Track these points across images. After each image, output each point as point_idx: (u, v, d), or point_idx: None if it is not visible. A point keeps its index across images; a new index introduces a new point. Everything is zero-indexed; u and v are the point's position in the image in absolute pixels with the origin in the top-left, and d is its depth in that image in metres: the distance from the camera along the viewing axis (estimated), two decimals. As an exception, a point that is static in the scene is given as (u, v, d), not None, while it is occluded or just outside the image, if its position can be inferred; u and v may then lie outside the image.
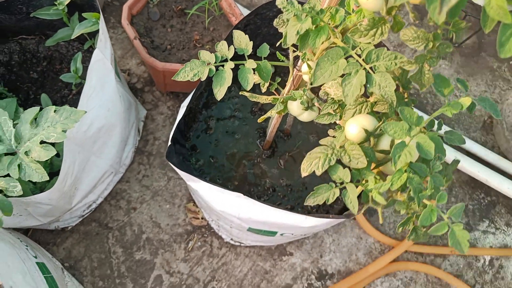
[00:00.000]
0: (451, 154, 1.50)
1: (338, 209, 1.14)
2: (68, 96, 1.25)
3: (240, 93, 0.90)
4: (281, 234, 1.13)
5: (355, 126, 0.61)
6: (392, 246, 1.43)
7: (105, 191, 1.32)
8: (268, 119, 1.18)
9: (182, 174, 0.97)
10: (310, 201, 0.67)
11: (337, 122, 0.74)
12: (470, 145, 1.56)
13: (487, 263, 1.47)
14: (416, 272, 1.42)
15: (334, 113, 0.70)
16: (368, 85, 0.56)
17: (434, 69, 1.73)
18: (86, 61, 1.25)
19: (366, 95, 0.67)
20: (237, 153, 1.18)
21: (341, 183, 0.66)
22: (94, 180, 1.18)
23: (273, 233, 1.13)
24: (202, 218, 1.36)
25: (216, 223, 1.32)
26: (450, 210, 0.61)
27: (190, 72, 0.80)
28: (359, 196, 0.71)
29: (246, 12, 1.58)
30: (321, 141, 0.66)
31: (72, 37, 1.06)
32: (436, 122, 0.63)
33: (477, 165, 1.50)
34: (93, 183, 1.19)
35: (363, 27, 0.56)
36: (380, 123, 0.61)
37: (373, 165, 0.65)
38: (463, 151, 1.57)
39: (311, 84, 0.65)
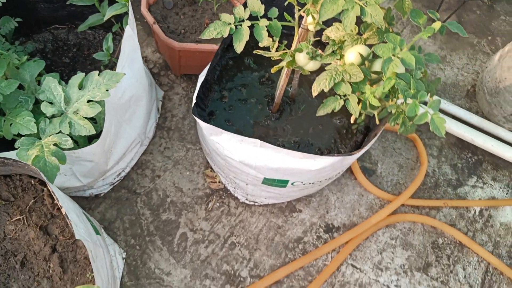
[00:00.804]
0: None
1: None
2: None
3: (254, 52, 1.07)
4: (292, 183, 1.29)
5: (353, 53, 0.78)
6: (390, 201, 1.59)
7: (132, 161, 1.48)
8: (276, 84, 1.35)
9: (206, 126, 1.13)
10: (321, 112, 0.83)
11: (338, 62, 0.91)
12: (455, 110, 1.73)
13: (477, 213, 1.63)
14: (413, 223, 1.57)
15: (335, 54, 0.87)
16: (362, 16, 0.73)
17: (419, 40, 1.91)
18: (114, 43, 1.42)
19: (360, 33, 0.84)
20: (250, 117, 1.34)
21: (344, 96, 0.82)
22: (125, 147, 1.34)
23: (285, 183, 1.29)
24: (219, 182, 1.52)
25: (233, 185, 1.48)
26: (429, 103, 0.78)
27: (214, 31, 0.97)
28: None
29: None
30: (327, 68, 0.82)
31: (105, 19, 1.23)
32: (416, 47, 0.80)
33: (463, 126, 1.67)
34: (124, 149, 1.34)
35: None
36: (372, 48, 0.77)
37: (368, 85, 0.82)
38: (450, 115, 1.74)
39: (317, 24, 0.82)
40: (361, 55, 0.77)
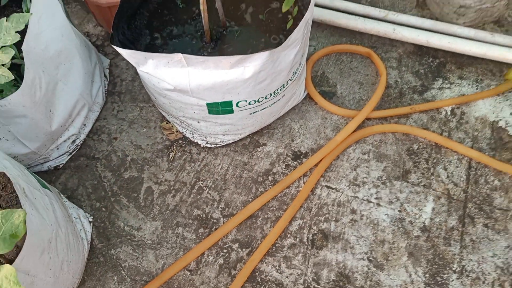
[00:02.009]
0: (389, 27, 1.62)
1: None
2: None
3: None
4: (237, 104, 1.26)
5: None
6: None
7: (86, 128, 1.46)
8: (200, 13, 1.33)
9: (128, 54, 1.11)
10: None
11: None
12: (406, 18, 1.68)
13: (449, 113, 1.56)
14: (384, 134, 1.52)
15: None
16: None
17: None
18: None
19: None
20: (185, 50, 1.32)
21: None
22: (67, 107, 1.33)
23: (229, 105, 1.26)
24: (176, 132, 1.49)
25: (189, 130, 1.45)
26: None
27: None
28: None
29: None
30: None
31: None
32: None
33: (415, 30, 1.62)
34: (67, 110, 1.33)
35: None
36: None
37: None
38: (403, 24, 1.69)
39: None
40: None
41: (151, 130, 1.51)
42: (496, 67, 1.64)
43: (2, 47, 1.05)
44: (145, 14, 1.38)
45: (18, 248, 0.88)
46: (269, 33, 1.35)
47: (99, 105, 1.51)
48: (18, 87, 1.10)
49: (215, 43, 1.34)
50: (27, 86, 1.11)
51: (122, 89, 1.58)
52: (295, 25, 1.19)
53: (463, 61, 1.66)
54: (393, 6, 1.78)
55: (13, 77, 1.04)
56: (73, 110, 1.37)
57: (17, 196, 0.95)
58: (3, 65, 1.05)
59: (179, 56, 1.08)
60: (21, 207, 0.92)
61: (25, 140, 1.23)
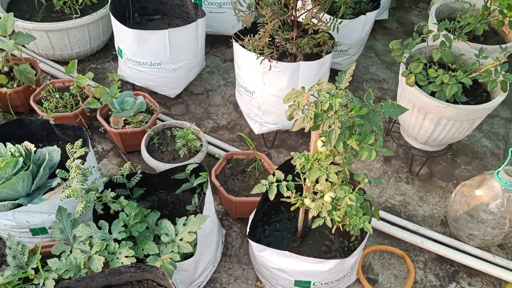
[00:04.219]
0: (419, 239, 2.34)
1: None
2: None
3: (281, 199, 1.88)
4: (314, 283, 1.96)
5: (328, 196, 1.57)
6: (390, 302, 2.18)
7: (207, 277, 2.20)
8: (297, 218, 2.11)
9: (256, 245, 1.89)
10: (314, 225, 1.60)
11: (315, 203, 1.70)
12: (431, 233, 2.40)
13: (458, 310, 2.18)
14: (409, 318, 2.14)
15: (322, 198, 1.67)
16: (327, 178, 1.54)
17: (402, 185, 2.67)
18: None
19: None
20: (283, 241, 2.09)
21: (324, 217, 1.58)
22: (205, 264, 2.08)
23: (308, 283, 1.97)
24: (265, 290, 2.19)
25: (275, 291, 2.15)
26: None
27: (257, 189, 1.80)
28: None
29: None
30: (315, 203, 1.61)
31: (194, 185, 2.10)
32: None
33: (437, 245, 2.33)
34: (204, 265, 2.09)
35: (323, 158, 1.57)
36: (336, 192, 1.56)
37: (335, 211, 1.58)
38: (429, 238, 2.40)
39: (311, 182, 1.64)
40: (331, 197, 1.56)
41: (248, 286, 2.22)
42: (496, 280, 2.28)
43: (189, 232, 1.86)
44: (260, 212, 2.20)
45: None
46: (338, 237, 2.11)
47: (217, 262, 2.27)
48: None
49: (302, 238, 2.11)
50: (196, 254, 1.89)
51: (232, 253, 2.35)
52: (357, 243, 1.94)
53: (472, 271, 2.32)
54: (424, 221, 2.53)
55: (192, 250, 1.83)
56: (206, 266, 2.12)
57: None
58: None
59: (287, 253, 1.84)
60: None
61: (180, 284, 1.98)
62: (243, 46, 2.41)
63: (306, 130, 1.50)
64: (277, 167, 2.41)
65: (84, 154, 1.99)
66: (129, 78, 2.95)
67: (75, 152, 1.93)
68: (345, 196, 1.51)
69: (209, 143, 2.76)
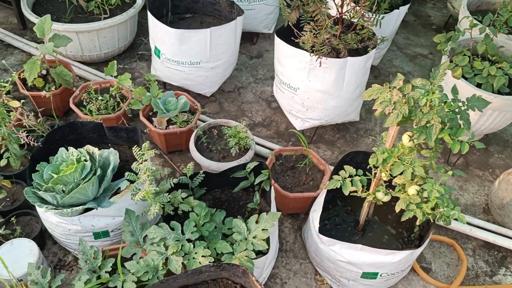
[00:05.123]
0: (467, 227, 2.42)
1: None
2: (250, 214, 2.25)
3: (351, 193, 1.92)
4: (380, 275, 2.01)
5: (412, 189, 1.61)
6: (446, 289, 2.25)
7: (268, 273, 2.22)
8: (357, 214, 2.16)
9: (327, 239, 1.92)
10: (404, 218, 1.64)
11: (400, 196, 1.74)
12: (477, 221, 2.48)
13: (511, 294, 2.26)
14: (466, 303, 2.21)
15: (400, 191, 1.71)
16: (412, 172, 1.58)
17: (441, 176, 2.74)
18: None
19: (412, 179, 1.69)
20: (343, 234, 2.13)
21: (411, 210, 1.63)
22: (269, 260, 2.11)
23: (375, 275, 2.01)
24: (326, 283, 2.23)
25: (337, 283, 2.19)
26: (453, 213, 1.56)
27: (331, 184, 1.83)
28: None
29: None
30: (401, 197, 1.65)
31: (255, 183, 2.12)
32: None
33: (485, 232, 2.41)
34: (269, 262, 2.11)
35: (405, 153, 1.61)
36: (421, 186, 1.60)
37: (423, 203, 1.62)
38: (474, 225, 2.48)
39: (387, 176, 1.68)
40: (416, 190, 1.61)
41: (308, 280, 2.26)
42: (542, 264, 2.37)
43: (263, 229, 1.88)
44: (327, 207, 2.23)
45: None
46: (397, 230, 2.16)
47: (275, 258, 2.29)
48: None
49: (363, 231, 2.16)
50: (270, 251, 1.91)
51: (287, 248, 2.38)
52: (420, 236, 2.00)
53: (519, 256, 2.41)
54: (466, 210, 2.60)
55: (267, 247, 1.85)
56: (270, 262, 2.14)
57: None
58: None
59: (359, 246, 1.88)
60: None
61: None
62: (294, 44, 2.43)
63: (390, 125, 1.53)
64: (325, 162, 2.45)
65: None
66: (165, 78, 2.93)
67: (143, 154, 1.93)
68: (432, 189, 1.56)
69: (250, 140, 2.78)
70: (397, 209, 1.65)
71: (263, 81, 3.32)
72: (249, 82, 3.30)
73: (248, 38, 3.63)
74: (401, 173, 1.64)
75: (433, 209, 1.64)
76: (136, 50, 3.47)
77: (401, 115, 1.45)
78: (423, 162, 1.60)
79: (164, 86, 3.09)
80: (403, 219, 1.67)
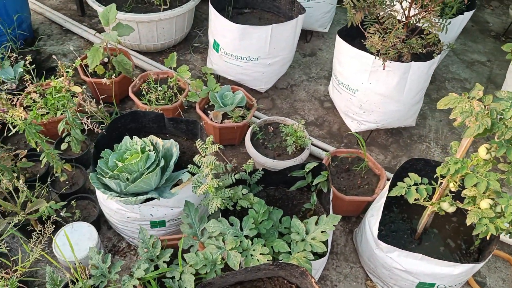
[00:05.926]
0: (525, 244, 2.34)
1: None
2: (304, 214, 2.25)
3: (412, 202, 1.88)
4: (437, 286, 1.97)
5: (485, 202, 1.57)
6: (501, 305, 2.19)
7: (318, 275, 2.22)
8: (414, 222, 2.12)
9: (386, 246, 1.90)
10: (477, 232, 1.60)
11: (469, 208, 1.70)
12: (537, 238, 2.40)
13: None
14: (521, 322, 2.15)
15: (470, 203, 1.67)
16: (487, 185, 1.54)
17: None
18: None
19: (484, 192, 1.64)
20: (399, 241, 2.10)
21: (485, 224, 1.59)
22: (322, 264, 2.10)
23: (432, 285, 1.98)
24: (377, 289, 2.21)
25: (388, 291, 2.16)
26: None
27: (395, 191, 1.80)
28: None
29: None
30: (471, 210, 1.61)
31: (313, 184, 2.11)
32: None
33: (545, 250, 2.33)
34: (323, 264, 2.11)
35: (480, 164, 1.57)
36: (494, 200, 1.56)
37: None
38: (533, 243, 2.40)
39: (456, 187, 1.64)
40: (489, 203, 1.56)
41: (359, 285, 2.24)
42: None
43: (322, 232, 1.87)
44: (385, 212, 2.20)
45: None
46: (455, 242, 2.11)
47: (325, 261, 2.28)
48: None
49: (420, 240, 2.12)
50: (328, 254, 1.90)
51: (338, 251, 2.36)
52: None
53: None
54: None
55: (326, 249, 1.84)
56: (322, 264, 2.14)
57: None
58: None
59: (419, 255, 1.84)
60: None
61: (302, 281, 1.99)
62: (357, 45, 2.40)
63: (470, 137, 1.49)
64: (381, 166, 2.42)
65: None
66: (221, 72, 2.95)
67: (207, 148, 1.94)
68: (508, 204, 1.51)
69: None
70: (468, 222, 1.60)
71: (316, 80, 3.29)
72: (301, 80, 3.28)
73: (302, 35, 3.60)
74: (474, 185, 1.60)
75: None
76: (191, 42, 3.50)
77: (483, 127, 1.41)
78: (499, 176, 1.55)
79: (218, 79, 3.11)
80: (474, 232, 1.63)
